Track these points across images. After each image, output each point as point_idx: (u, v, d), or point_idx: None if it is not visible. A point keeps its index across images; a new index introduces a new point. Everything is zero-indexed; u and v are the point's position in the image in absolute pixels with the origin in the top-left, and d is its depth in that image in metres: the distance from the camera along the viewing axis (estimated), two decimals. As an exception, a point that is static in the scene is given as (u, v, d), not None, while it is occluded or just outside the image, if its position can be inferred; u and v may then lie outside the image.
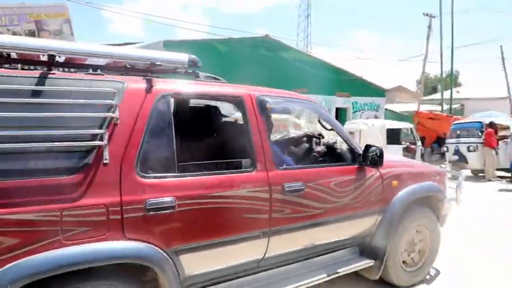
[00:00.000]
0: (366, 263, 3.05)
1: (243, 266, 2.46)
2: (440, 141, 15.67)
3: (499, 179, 10.07)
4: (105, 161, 1.89)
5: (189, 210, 2.11)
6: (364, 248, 3.16)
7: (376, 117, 19.06)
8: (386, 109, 20.93)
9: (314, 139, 3.73)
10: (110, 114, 1.94)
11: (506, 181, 9.75)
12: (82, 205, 1.81)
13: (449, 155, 11.31)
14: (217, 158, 2.47)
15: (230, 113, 3.22)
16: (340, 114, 18.21)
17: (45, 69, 2.02)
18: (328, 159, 3.18)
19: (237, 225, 2.33)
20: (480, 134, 10.64)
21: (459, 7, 44.90)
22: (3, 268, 1.62)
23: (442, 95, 23.25)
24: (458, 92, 26.38)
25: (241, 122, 2.57)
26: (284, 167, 2.61)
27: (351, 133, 10.84)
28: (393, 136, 10.91)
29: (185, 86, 2.40)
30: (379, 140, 10.48)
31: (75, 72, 2.18)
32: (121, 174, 1.94)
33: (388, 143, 10.52)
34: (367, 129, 10.61)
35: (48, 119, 1.79)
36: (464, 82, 43.76)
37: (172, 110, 2.29)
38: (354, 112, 18.49)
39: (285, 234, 2.55)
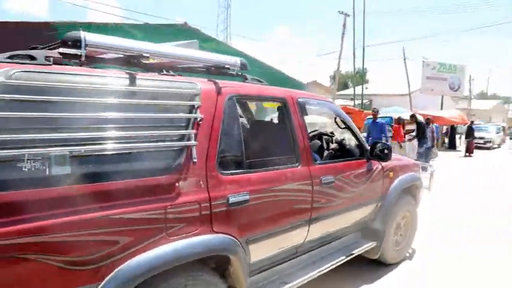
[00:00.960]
0: (371, 244, 3.54)
1: (287, 252, 2.74)
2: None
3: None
4: (194, 160, 2.01)
5: (257, 203, 2.33)
6: (365, 232, 3.63)
7: (294, 111, 19.60)
8: (304, 103, 21.63)
9: (326, 137, 4.06)
10: (197, 115, 2.08)
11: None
12: (180, 203, 1.93)
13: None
14: (269, 155, 2.65)
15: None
16: (260, 108, 18.29)
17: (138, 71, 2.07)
18: (344, 154, 3.59)
19: (289, 214, 2.61)
20: (390, 128, 11.42)
21: (372, 8, 48.34)
22: (123, 265, 1.70)
23: (354, 91, 24.78)
24: (366, 88, 28.39)
25: (285, 122, 2.80)
26: (318, 162, 2.97)
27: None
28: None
29: (245, 88, 2.57)
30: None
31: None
32: (207, 172, 2.08)
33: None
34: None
35: (146, 120, 1.88)
36: (371, 79, 47.42)
37: (237, 110, 2.47)
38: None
39: (319, 222, 2.87)
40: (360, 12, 23.09)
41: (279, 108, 2.98)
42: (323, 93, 45.98)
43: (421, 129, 10.59)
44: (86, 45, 1.83)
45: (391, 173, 3.72)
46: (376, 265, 3.90)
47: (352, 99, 28.91)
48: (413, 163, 4.25)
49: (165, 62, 2.31)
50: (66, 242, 1.58)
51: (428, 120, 12.16)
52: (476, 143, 18.27)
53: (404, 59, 27.16)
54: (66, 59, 1.89)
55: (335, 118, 3.78)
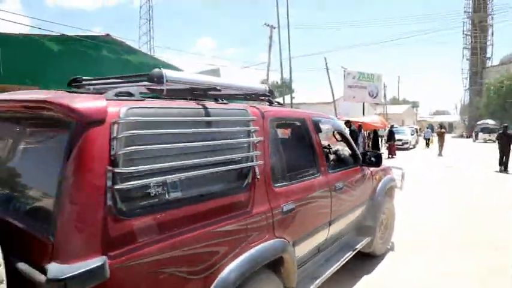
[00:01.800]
0: (367, 239, 4.09)
1: (312, 251, 3.16)
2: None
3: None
4: (257, 177, 2.36)
5: (299, 210, 2.72)
6: (359, 230, 4.14)
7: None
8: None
9: (325, 149, 4.25)
10: (259, 138, 2.41)
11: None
12: (254, 214, 2.29)
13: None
14: (300, 167, 3.04)
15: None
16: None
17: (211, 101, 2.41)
18: (341, 163, 3.95)
19: (318, 218, 3.09)
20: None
21: (296, 21, 50.24)
22: (222, 272, 2.00)
23: (283, 100, 25.30)
24: (293, 97, 29.30)
25: (305, 138, 3.24)
26: (330, 171, 3.38)
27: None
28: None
29: (279, 111, 2.92)
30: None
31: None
32: (266, 186, 2.45)
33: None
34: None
35: (225, 146, 2.17)
36: (297, 88, 49.26)
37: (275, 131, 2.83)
38: (205, 118, 18.39)
39: (335, 223, 3.36)
40: (286, 26, 23.83)
41: (300, 127, 3.31)
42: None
43: (354, 136, 10.97)
44: (167, 80, 2.05)
45: (377, 176, 4.42)
46: (366, 258, 4.50)
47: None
48: (388, 167, 4.87)
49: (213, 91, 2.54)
50: (186, 255, 1.86)
51: (360, 127, 12.64)
52: (395, 145, 19.69)
53: (327, 69, 28.59)
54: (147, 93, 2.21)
55: (333, 132, 4.34)
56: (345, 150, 4.29)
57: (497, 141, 14.05)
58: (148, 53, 31.48)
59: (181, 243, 1.82)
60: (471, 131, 44.63)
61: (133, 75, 2.33)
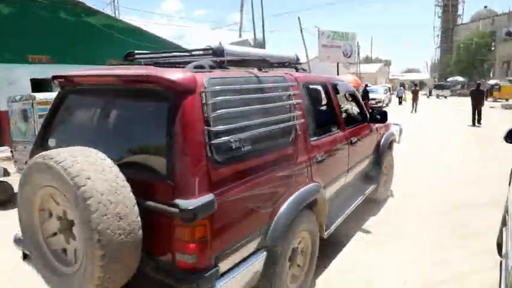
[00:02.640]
0: (373, 186, 4.70)
1: (335, 194, 3.70)
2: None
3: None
4: (299, 133, 2.85)
5: (328, 160, 3.26)
6: (365, 178, 4.68)
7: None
8: (208, 78, 20.92)
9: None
10: (298, 100, 2.90)
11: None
12: (299, 162, 2.84)
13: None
14: (325, 124, 3.56)
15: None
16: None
17: (259, 69, 2.83)
18: (352, 121, 4.46)
19: (340, 166, 3.69)
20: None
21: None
22: (282, 208, 2.57)
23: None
24: (267, 59, 28.83)
25: (327, 99, 3.85)
26: (347, 127, 3.90)
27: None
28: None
29: (307, 77, 3.41)
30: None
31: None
32: (305, 140, 2.94)
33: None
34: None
35: (278, 108, 2.67)
36: (271, 49, 48.31)
37: (311, 93, 3.44)
38: (177, 83, 17.73)
39: (351, 171, 3.99)
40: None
41: (323, 90, 3.92)
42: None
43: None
44: (226, 54, 2.57)
45: (381, 131, 5.07)
46: (371, 202, 5.08)
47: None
48: (388, 123, 5.19)
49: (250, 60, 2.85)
50: (258, 194, 2.37)
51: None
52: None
53: (301, 29, 27.92)
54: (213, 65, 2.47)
55: (345, 94, 4.71)
56: (354, 109, 4.97)
57: (470, 97, 14.78)
58: (112, 15, 29.68)
59: (255, 185, 2.33)
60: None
61: (198, 49, 2.78)
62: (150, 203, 1.94)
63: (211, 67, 2.41)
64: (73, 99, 2.68)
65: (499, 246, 3.68)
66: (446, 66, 49.84)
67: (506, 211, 3.34)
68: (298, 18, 27.10)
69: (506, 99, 29.52)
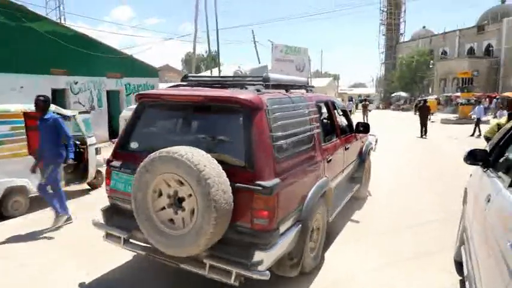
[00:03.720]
0: (358, 185, 5.80)
1: (336, 187, 4.63)
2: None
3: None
4: (316, 139, 3.86)
5: (333, 160, 4.33)
6: (350, 179, 5.77)
7: (152, 98, 18.20)
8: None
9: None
10: (315, 115, 4.04)
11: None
12: (318, 160, 3.81)
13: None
14: (329, 133, 4.77)
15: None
16: (113, 98, 16.37)
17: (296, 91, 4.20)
18: (345, 131, 5.46)
19: (339, 165, 4.78)
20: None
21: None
22: (314, 186, 3.61)
23: (211, 73, 24.45)
24: (221, 71, 28.52)
25: (329, 114, 5.04)
26: (342, 136, 5.00)
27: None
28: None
29: (316, 96, 4.59)
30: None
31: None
32: (319, 145, 3.93)
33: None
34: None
35: (304, 120, 3.74)
36: (225, 61, 48.24)
37: (321, 109, 4.82)
38: (127, 95, 16.98)
39: (345, 171, 5.10)
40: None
41: (326, 107, 4.99)
42: (176, 77, 44.60)
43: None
44: (270, 80, 3.62)
45: (363, 140, 6.27)
46: (354, 200, 6.07)
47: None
48: (365, 135, 6.19)
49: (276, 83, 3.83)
50: (299, 181, 3.38)
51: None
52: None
53: (255, 42, 28.23)
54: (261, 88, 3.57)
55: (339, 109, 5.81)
56: (344, 121, 5.89)
57: (417, 113, 17.09)
58: (58, 20, 28.17)
59: (296, 175, 3.28)
60: (388, 102, 48.03)
61: (251, 76, 4.20)
62: (239, 184, 2.83)
63: (258, 90, 3.40)
64: (152, 111, 3.59)
65: (458, 263, 3.78)
66: (391, 81, 52.62)
67: (464, 230, 3.44)
68: (252, 31, 27.49)
69: (432, 114, 32.60)
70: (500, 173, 2.82)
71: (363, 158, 6.10)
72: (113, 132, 14.94)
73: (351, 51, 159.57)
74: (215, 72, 25.91)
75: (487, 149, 3.62)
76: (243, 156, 2.92)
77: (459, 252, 3.59)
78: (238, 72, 5.59)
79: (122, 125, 9.91)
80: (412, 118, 16.60)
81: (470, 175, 4.01)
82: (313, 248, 3.77)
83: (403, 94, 45.17)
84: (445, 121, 24.12)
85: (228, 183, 2.77)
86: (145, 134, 3.54)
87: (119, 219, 3.44)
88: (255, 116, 2.99)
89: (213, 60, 30.51)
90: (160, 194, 2.95)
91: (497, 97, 28.48)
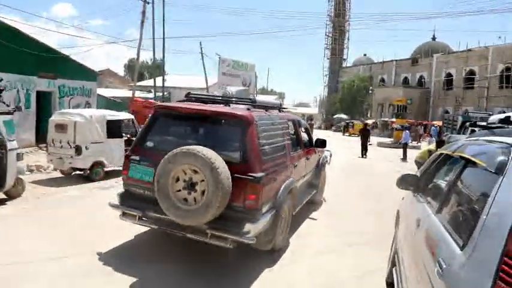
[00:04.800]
0: (315, 191, 7.01)
1: (299, 188, 5.84)
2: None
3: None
4: (287, 148, 5.13)
5: (297, 165, 5.52)
6: (309, 185, 6.88)
7: (88, 103, 17.23)
8: (98, 95, 19.37)
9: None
10: (286, 130, 5.42)
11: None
12: (288, 164, 5.04)
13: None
14: (295, 145, 5.91)
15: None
16: (44, 99, 15.23)
17: (275, 111, 5.61)
18: (306, 145, 6.68)
19: (302, 171, 5.98)
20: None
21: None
22: (284, 184, 4.79)
23: (154, 82, 23.91)
24: (165, 80, 27.98)
25: (295, 130, 6.27)
26: (304, 148, 6.33)
27: (61, 126, 9.05)
28: (114, 128, 9.79)
29: (288, 116, 6.12)
30: (98, 133, 9.21)
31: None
32: (289, 153, 5.19)
33: (108, 137, 9.45)
34: (85, 122, 9.05)
35: (279, 133, 5.04)
36: (170, 71, 47.37)
37: (290, 125, 5.86)
38: (60, 97, 15.90)
39: (305, 177, 6.31)
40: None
41: (293, 124, 6.16)
42: (118, 83, 42.98)
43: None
44: (256, 102, 5.13)
45: (320, 154, 7.55)
46: (311, 204, 7.13)
47: (150, 91, 27.98)
48: (323, 149, 7.53)
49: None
50: (276, 177, 4.57)
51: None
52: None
53: (202, 54, 28.13)
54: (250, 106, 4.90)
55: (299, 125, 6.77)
56: (305, 137, 6.99)
57: (359, 136, 18.96)
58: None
59: (273, 172, 4.47)
60: (329, 123, 50.08)
61: (242, 98, 5.51)
62: (238, 175, 3.93)
63: (248, 109, 4.62)
64: (165, 119, 4.75)
65: (390, 285, 3.89)
66: (333, 103, 55.06)
67: (396, 252, 3.55)
68: (200, 43, 27.37)
69: (358, 135, 35.79)
70: (429, 198, 2.92)
71: (319, 168, 7.43)
72: (41, 137, 13.84)
73: (297, 71, 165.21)
74: (159, 81, 25.35)
75: (418, 174, 3.77)
76: (239, 155, 4.16)
77: (391, 274, 3.70)
78: (227, 93, 8.05)
79: (52, 131, 9.18)
80: (352, 140, 18.00)
81: (403, 198, 4.16)
82: (281, 232, 4.90)
83: (343, 116, 47.41)
84: (381, 144, 25.63)
85: (229, 172, 3.87)
86: (161, 136, 4.71)
87: (132, 201, 4.43)
88: (249, 127, 4.23)
89: (157, 68, 29.86)
90: (177, 180, 4.00)
91: (435, 125, 30.98)
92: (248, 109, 4.59)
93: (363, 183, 10.53)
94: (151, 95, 25.60)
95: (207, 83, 27.84)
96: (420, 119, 38.85)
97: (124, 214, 4.44)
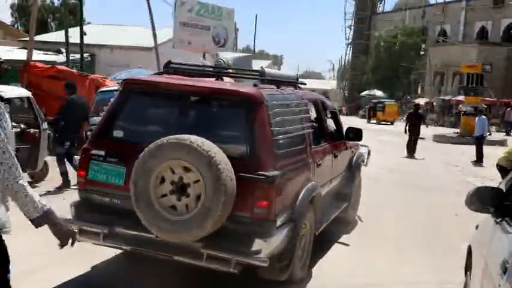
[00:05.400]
0: (346, 204, 7.51)
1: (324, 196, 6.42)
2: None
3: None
4: (307, 140, 5.67)
5: (321, 164, 6.10)
6: (338, 195, 7.54)
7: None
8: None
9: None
10: (307, 115, 5.99)
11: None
12: (309, 162, 5.62)
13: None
14: (317, 135, 6.48)
15: None
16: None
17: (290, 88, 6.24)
18: (332, 136, 7.32)
19: (327, 173, 6.60)
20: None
21: None
22: (305, 188, 5.23)
23: (66, 36, 23.55)
24: (85, 34, 27.61)
25: (317, 115, 6.99)
26: (331, 141, 6.94)
27: None
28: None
29: (311, 95, 7.26)
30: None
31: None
32: (311, 147, 5.79)
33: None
34: None
35: (301, 121, 5.64)
36: (88, 17, 46.74)
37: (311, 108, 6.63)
38: None
39: (334, 181, 7.06)
40: None
41: (314, 106, 6.78)
42: (2, 35, 42.42)
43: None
44: (266, 75, 5.42)
45: (354, 150, 8.22)
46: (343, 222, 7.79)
47: (59, 50, 27.66)
48: (357, 144, 8.36)
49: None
50: (294, 174, 5.13)
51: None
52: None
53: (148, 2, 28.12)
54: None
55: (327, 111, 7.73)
56: (332, 125, 7.77)
57: (406, 122, 19.64)
58: None
59: (291, 172, 4.90)
60: (354, 106, 50.47)
61: (248, 70, 6.15)
62: (243, 174, 4.29)
63: (255, 84, 5.17)
64: (139, 100, 5.27)
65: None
66: (361, 73, 55.53)
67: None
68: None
69: (391, 122, 36.58)
70: None
71: (352, 171, 8.06)
72: None
73: (304, 22, 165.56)
74: (74, 32, 25.15)
75: (502, 186, 3.80)
76: (244, 148, 4.60)
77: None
78: (220, 61, 7.44)
79: None
80: (382, 130, 18.21)
81: (477, 227, 4.26)
82: (301, 256, 5.29)
83: (378, 93, 47.65)
84: (440, 139, 26.14)
85: (232, 170, 4.21)
86: (135, 123, 5.26)
87: (93, 214, 4.77)
88: (258, 109, 4.64)
89: (71, 13, 29.23)
90: (162, 181, 4.33)
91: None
92: (255, 85, 5.11)
93: (409, 204, 10.56)
94: (61, 58, 25.34)
95: (155, 39, 27.69)
96: (507, 96, 39.23)
97: (81, 232, 4.62)
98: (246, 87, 5.07)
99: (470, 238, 4.36)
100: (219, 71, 5.77)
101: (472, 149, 18.57)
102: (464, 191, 3.83)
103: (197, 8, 26.89)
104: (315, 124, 6.64)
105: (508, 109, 32.97)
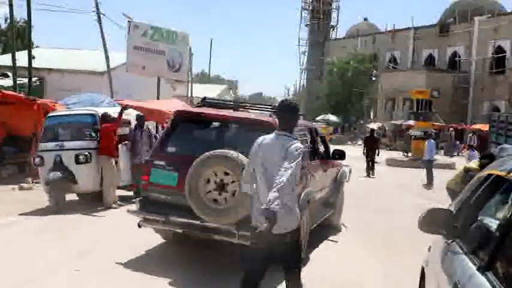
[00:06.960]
0: (332, 211, 9.94)
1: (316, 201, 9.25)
2: (20, 142, 15.39)
3: (121, 203, 11.14)
4: (306, 156, 7.55)
5: (315, 176, 8.79)
6: (324, 204, 9.75)
7: None
8: None
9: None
10: (306, 137, 8.91)
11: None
12: (307, 172, 7.92)
13: (44, 171, 10.81)
14: (312, 153, 9.26)
15: None
16: None
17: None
18: (322, 155, 10.16)
19: (318, 182, 9.13)
20: (94, 134, 11.18)
21: None
22: (304, 191, 7.59)
23: (13, 60, 23.07)
24: (34, 58, 27.05)
25: (312, 138, 10.00)
26: (320, 159, 9.95)
27: None
28: None
29: (306, 123, 10.65)
30: None
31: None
32: (307, 161, 8.08)
33: None
34: None
35: (301, 142, 6.42)
36: (37, 40, 46.02)
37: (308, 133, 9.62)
38: None
39: (323, 190, 9.67)
40: None
41: (309, 132, 9.23)
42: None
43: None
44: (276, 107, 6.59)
45: (338, 168, 10.65)
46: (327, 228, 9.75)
47: (5, 74, 27.09)
48: (341, 163, 10.82)
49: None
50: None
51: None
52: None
53: (98, 14, 27.90)
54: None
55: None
56: (322, 147, 10.30)
57: (363, 146, 22.03)
58: None
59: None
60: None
61: (264, 104, 10.49)
62: None
63: (270, 115, 7.34)
64: (187, 125, 7.91)
65: None
66: (316, 98, 56.05)
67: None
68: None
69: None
70: (471, 247, 3.00)
71: (337, 184, 10.41)
72: None
73: (258, 48, 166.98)
74: (21, 56, 24.65)
75: (452, 208, 3.90)
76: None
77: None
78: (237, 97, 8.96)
79: None
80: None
81: (429, 248, 4.27)
82: (302, 243, 6.55)
83: (332, 118, 48.18)
84: (392, 162, 26.69)
85: None
86: (184, 141, 7.71)
87: (152, 207, 7.04)
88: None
89: (19, 35, 28.73)
90: (208, 181, 6.48)
91: (477, 131, 32.12)
92: (270, 115, 7.26)
93: (369, 225, 11.13)
94: (8, 82, 24.88)
95: (108, 63, 27.51)
96: (454, 121, 40.45)
97: (145, 220, 7.12)
98: (264, 116, 7.46)
99: (422, 260, 4.38)
100: (239, 105, 8.73)
101: (422, 173, 19.22)
102: (415, 212, 3.90)
103: (151, 32, 26.65)
104: (310, 145, 8.94)
105: (470, 134, 34.30)
